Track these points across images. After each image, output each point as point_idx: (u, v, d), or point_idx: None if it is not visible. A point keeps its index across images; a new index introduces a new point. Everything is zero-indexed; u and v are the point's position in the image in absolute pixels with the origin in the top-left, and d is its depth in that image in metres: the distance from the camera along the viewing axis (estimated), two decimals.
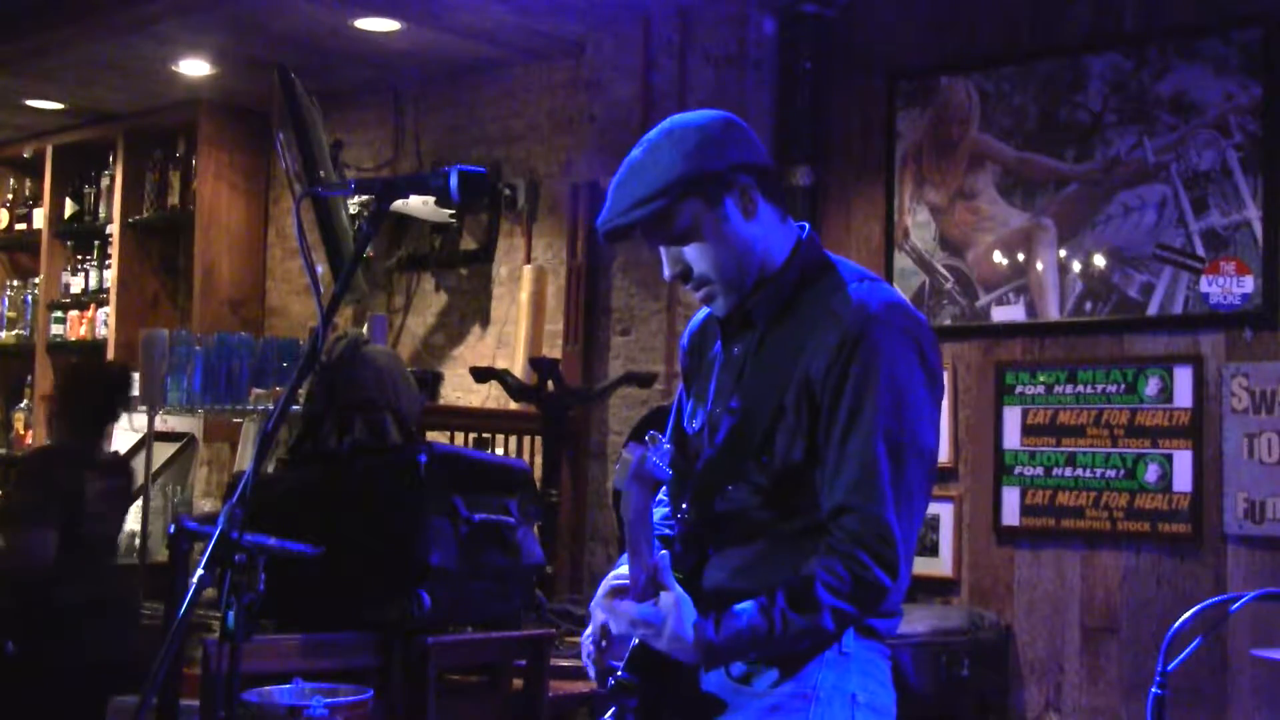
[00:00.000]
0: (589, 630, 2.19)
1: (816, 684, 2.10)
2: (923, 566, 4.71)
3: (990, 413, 4.74)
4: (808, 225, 2.28)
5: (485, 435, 5.45)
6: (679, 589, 2.05)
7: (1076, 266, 4.60)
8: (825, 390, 2.09)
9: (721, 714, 2.13)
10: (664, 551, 2.10)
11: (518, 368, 5.58)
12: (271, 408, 4.82)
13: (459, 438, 5.27)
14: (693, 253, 2.18)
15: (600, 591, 2.13)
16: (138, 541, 5.30)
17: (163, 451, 5.68)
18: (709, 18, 5.20)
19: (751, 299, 2.21)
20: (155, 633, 4.57)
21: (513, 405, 5.45)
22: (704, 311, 2.37)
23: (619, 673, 2.10)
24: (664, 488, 2.29)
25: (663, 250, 2.22)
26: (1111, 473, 4.48)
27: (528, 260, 5.98)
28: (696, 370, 2.36)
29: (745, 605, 2.04)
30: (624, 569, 2.11)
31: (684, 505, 2.21)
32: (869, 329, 2.09)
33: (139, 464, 5.26)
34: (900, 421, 2.07)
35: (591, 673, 2.19)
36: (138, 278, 7.19)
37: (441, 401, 5.81)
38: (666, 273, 2.23)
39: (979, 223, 4.82)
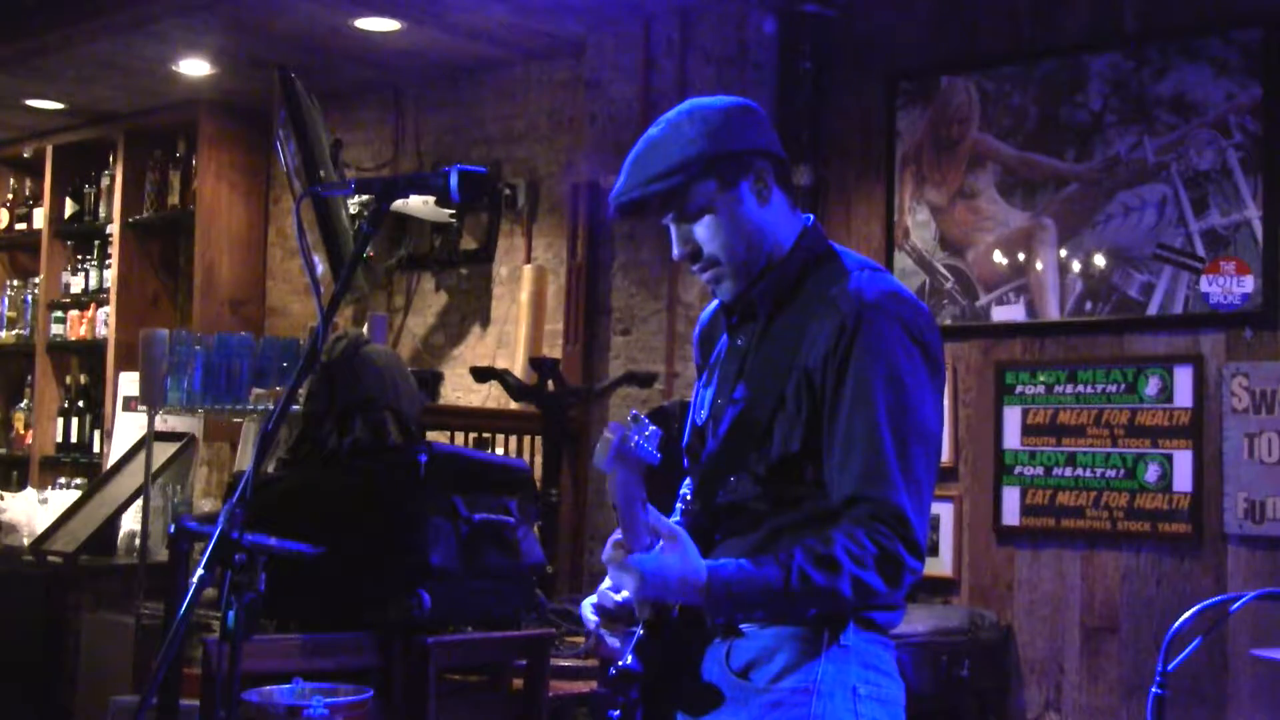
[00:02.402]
0: (594, 597, 2.19)
1: (818, 678, 2.09)
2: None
3: (990, 413, 4.73)
4: (813, 216, 2.29)
5: (485, 435, 5.45)
6: (682, 531, 2.03)
7: (1076, 266, 4.59)
8: (825, 380, 2.10)
9: (722, 707, 2.13)
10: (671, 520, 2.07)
11: (518, 368, 5.58)
12: (271, 408, 4.82)
13: (459, 438, 5.27)
14: (704, 233, 2.19)
15: (606, 549, 2.08)
16: (138, 541, 5.30)
17: (163, 451, 5.67)
18: (709, 17, 5.20)
19: (755, 288, 2.22)
20: (155, 633, 4.58)
21: (513, 405, 5.45)
22: (715, 303, 2.37)
23: (622, 662, 2.10)
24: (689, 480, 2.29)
25: (673, 229, 2.22)
26: (1111, 473, 4.48)
27: (528, 260, 5.98)
28: (705, 362, 2.37)
29: (763, 559, 2.02)
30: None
31: (689, 496, 2.21)
32: (867, 318, 2.09)
33: (139, 464, 5.26)
34: (903, 408, 2.07)
35: (592, 624, 2.19)
36: (138, 278, 7.20)
37: (441, 401, 5.81)
38: (676, 251, 2.23)
39: (979, 222, 4.82)
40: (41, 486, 6.86)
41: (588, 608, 2.20)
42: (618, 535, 2.04)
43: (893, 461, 2.05)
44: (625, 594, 2.10)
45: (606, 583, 2.20)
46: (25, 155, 7.84)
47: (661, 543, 2.01)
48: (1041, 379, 4.64)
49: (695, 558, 2.01)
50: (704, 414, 2.29)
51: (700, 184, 2.15)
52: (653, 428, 1.97)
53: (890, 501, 2.04)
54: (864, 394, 2.07)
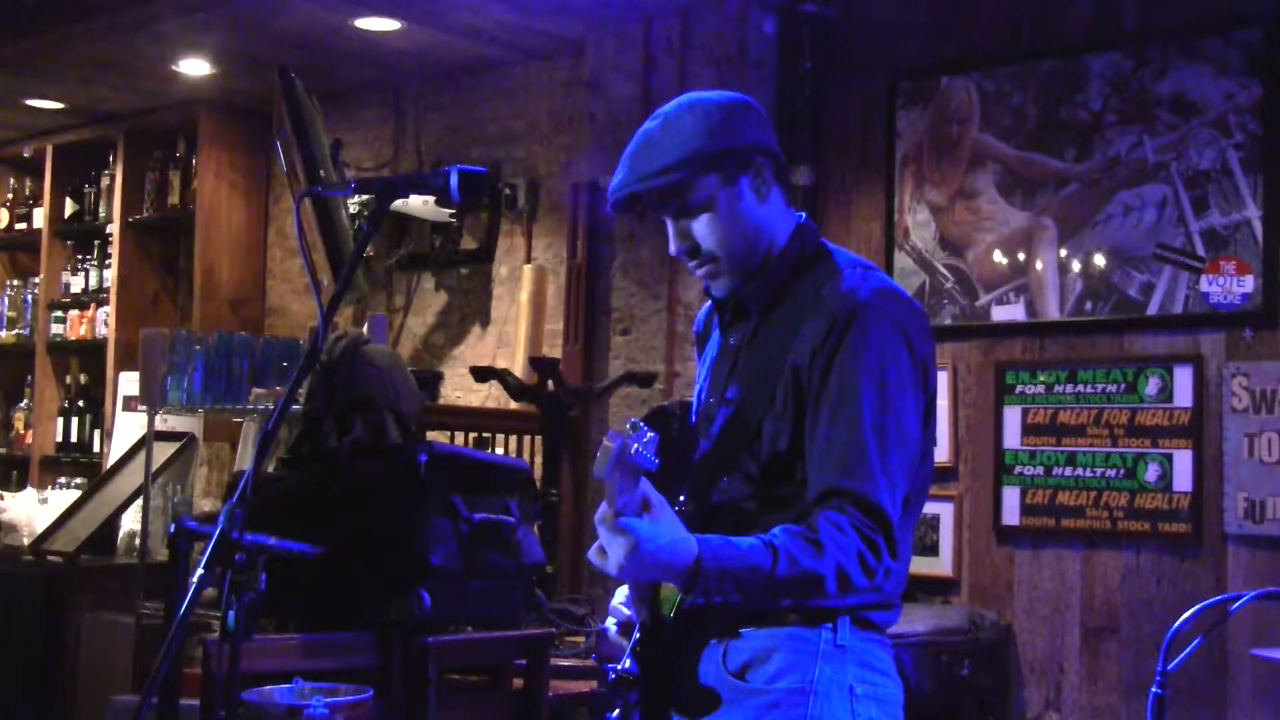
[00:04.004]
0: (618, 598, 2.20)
1: (814, 678, 2.09)
2: (923, 566, 4.71)
3: (990, 412, 4.73)
4: (805, 214, 2.28)
5: (485, 435, 5.45)
6: (661, 497, 1.96)
7: (1076, 266, 4.59)
8: (811, 376, 2.09)
9: (719, 709, 2.12)
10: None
11: (518, 367, 5.58)
12: (271, 408, 4.82)
13: (459, 438, 5.27)
14: (702, 229, 2.17)
15: (600, 510, 1.99)
16: (138, 541, 5.30)
17: (163, 451, 5.68)
18: (709, 18, 5.20)
19: (746, 287, 2.21)
20: (155, 633, 4.58)
21: (513, 405, 5.45)
22: (709, 302, 2.36)
23: (620, 666, 2.09)
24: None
25: (670, 224, 2.20)
26: (1111, 472, 4.48)
27: (528, 260, 5.98)
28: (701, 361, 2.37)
29: (749, 540, 1.98)
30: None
31: (681, 497, 2.20)
32: (857, 316, 2.08)
33: (139, 464, 5.26)
34: (886, 409, 2.06)
35: (613, 632, 2.19)
36: (138, 278, 7.20)
37: (441, 401, 5.81)
38: (673, 247, 2.22)
39: (979, 222, 4.82)
40: (41, 486, 6.86)
41: (611, 624, 2.21)
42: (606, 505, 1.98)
43: (874, 459, 2.04)
44: (626, 602, 2.09)
45: (618, 598, 2.20)
46: (25, 155, 7.83)
47: (647, 516, 1.94)
48: (1041, 379, 4.63)
49: (683, 530, 1.96)
50: (697, 414, 2.29)
51: (700, 179, 2.14)
52: (651, 434, 1.95)
53: (871, 496, 2.02)
54: (849, 390, 2.05)
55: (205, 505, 6.03)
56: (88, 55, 6.18)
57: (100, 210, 7.43)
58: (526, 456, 5.33)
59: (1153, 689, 2.51)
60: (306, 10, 5.49)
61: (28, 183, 7.98)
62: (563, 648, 4.03)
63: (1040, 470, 4.61)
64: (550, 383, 5.08)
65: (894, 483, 2.06)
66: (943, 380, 4.75)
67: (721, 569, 1.95)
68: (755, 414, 2.13)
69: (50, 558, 5.52)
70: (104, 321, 7.22)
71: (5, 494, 6.42)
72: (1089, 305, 4.56)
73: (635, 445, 1.91)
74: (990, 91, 4.82)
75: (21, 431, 7.68)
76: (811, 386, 2.09)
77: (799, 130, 5.09)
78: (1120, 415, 4.47)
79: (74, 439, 7.38)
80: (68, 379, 7.54)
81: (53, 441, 7.49)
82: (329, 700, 2.91)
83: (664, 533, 1.93)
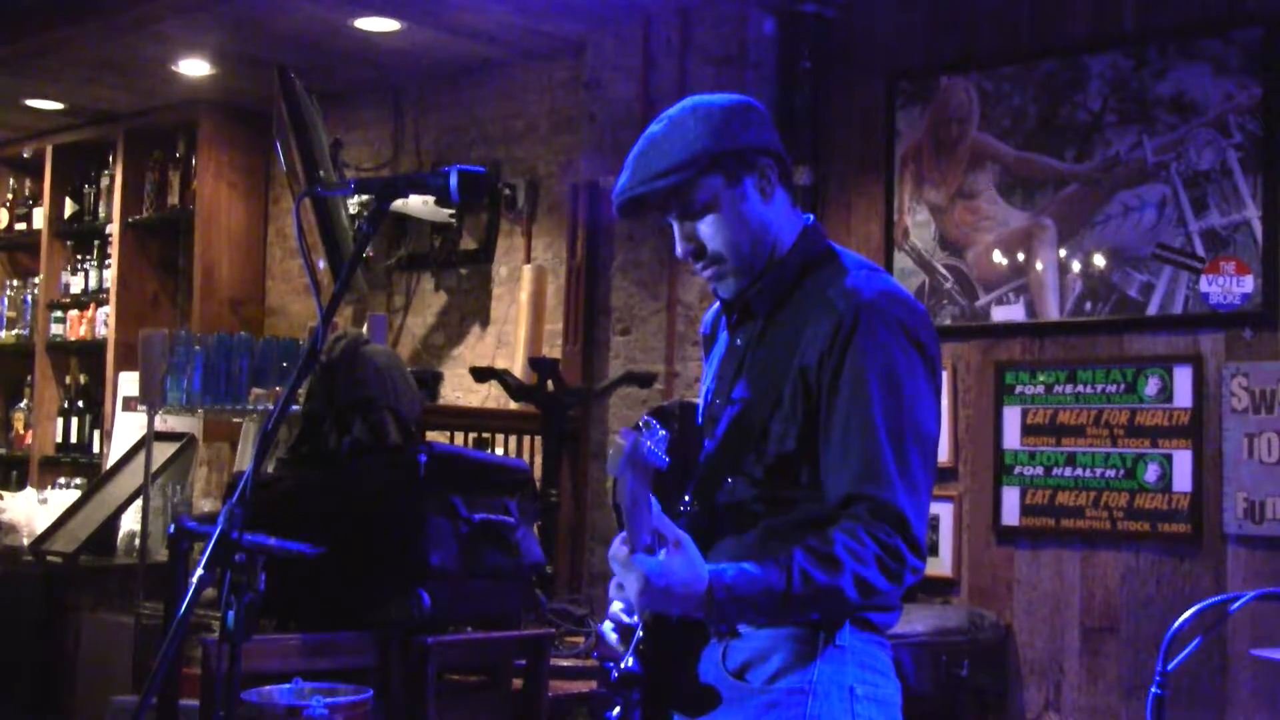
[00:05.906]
0: (614, 607, 2.20)
1: (814, 679, 2.09)
2: None
3: (990, 413, 4.74)
4: (813, 216, 2.28)
5: (485, 435, 5.45)
6: (686, 537, 1.99)
7: (1076, 266, 4.59)
8: (821, 379, 2.09)
9: (719, 708, 2.12)
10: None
11: (518, 368, 5.58)
12: (271, 408, 4.82)
13: (459, 438, 5.27)
14: (708, 230, 2.18)
15: (613, 545, 2.02)
16: (138, 541, 5.30)
17: (163, 451, 5.68)
18: (709, 18, 5.21)
19: (754, 287, 2.21)
20: (155, 633, 4.58)
21: (513, 405, 5.46)
22: (717, 304, 2.37)
23: (622, 664, 2.10)
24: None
25: (675, 226, 2.21)
26: (1111, 472, 4.48)
27: (527, 260, 5.98)
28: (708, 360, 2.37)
29: (764, 562, 1.99)
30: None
31: (686, 498, 2.20)
32: (863, 317, 2.08)
33: (139, 464, 5.26)
34: (899, 408, 2.06)
35: (613, 640, 2.20)
36: (138, 278, 7.20)
37: (441, 401, 5.81)
38: (679, 249, 2.22)
39: (979, 222, 4.82)
40: (41, 486, 6.86)
41: (609, 628, 2.21)
42: (625, 534, 2.02)
43: (889, 461, 2.04)
44: (626, 610, 2.10)
45: (616, 605, 2.21)
46: (25, 155, 7.84)
47: (664, 549, 1.98)
48: (1041, 379, 4.64)
49: (698, 565, 1.98)
50: (703, 414, 2.29)
51: (705, 180, 2.15)
52: (662, 432, 1.97)
53: (888, 500, 2.03)
54: (860, 393, 2.06)
55: (205, 505, 6.03)
56: (88, 55, 6.19)
57: (100, 210, 7.43)
58: (526, 456, 5.33)
59: (1152, 689, 2.51)
60: (306, 10, 5.49)
61: (27, 183, 7.98)
62: (562, 648, 4.03)
63: (1040, 470, 4.61)
64: (550, 383, 5.08)
65: (913, 484, 2.06)
66: (943, 381, 4.75)
67: (736, 598, 1.97)
68: (761, 414, 2.13)
69: (50, 558, 5.52)
70: (104, 322, 7.22)
71: (5, 494, 6.42)
72: (1089, 305, 4.56)
73: (648, 443, 1.93)
74: (990, 91, 4.82)
75: (21, 431, 7.68)
76: (821, 389, 2.09)
77: (799, 130, 5.09)
78: (1120, 415, 4.47)
79: (74, 439, 7.38)
80: (67, 379, 7.54)
81: (52, 441, 7.49)
82: (329, 700, 2.91)
83: (676, 568, 1.96)
